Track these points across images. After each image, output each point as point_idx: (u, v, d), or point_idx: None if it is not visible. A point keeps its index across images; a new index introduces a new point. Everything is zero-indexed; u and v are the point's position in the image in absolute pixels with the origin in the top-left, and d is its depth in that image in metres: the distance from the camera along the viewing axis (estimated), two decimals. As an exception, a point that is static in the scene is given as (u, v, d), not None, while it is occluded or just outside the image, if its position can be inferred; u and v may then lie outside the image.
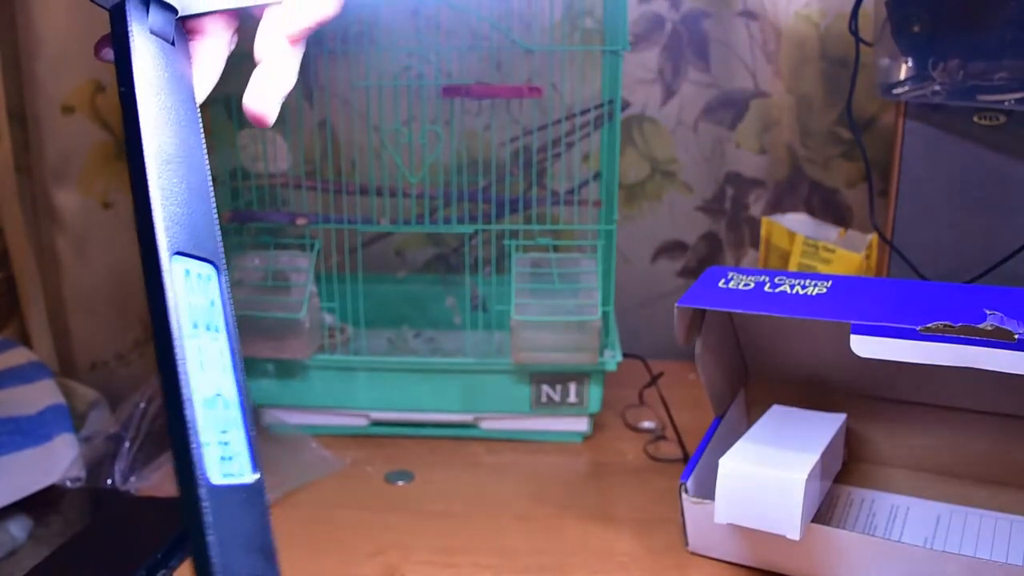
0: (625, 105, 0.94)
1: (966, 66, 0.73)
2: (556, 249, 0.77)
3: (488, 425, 0.77)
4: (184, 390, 0.30)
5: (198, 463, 0.29)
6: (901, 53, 0.76)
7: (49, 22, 0.81)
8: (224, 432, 0.31)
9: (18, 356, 0.79)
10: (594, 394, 0.75)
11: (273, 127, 0.49)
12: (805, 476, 0.52)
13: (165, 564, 0.56)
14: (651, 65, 0.93)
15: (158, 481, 0.67)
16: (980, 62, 0.73)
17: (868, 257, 0.80)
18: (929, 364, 0.50)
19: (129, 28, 0.35)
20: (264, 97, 0.39)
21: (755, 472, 0.53)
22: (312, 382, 0.76)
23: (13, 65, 0.86)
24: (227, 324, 0.34)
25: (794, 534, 0.53)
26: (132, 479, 0.67)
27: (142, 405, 0.72)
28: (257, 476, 0.32)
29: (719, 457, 0.55)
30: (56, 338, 0.92)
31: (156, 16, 0.37)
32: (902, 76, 0.76)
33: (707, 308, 0.57)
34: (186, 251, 0.33)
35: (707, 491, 0.57)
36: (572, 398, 0.75)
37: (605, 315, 0.74)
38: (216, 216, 0.36)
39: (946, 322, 0.49)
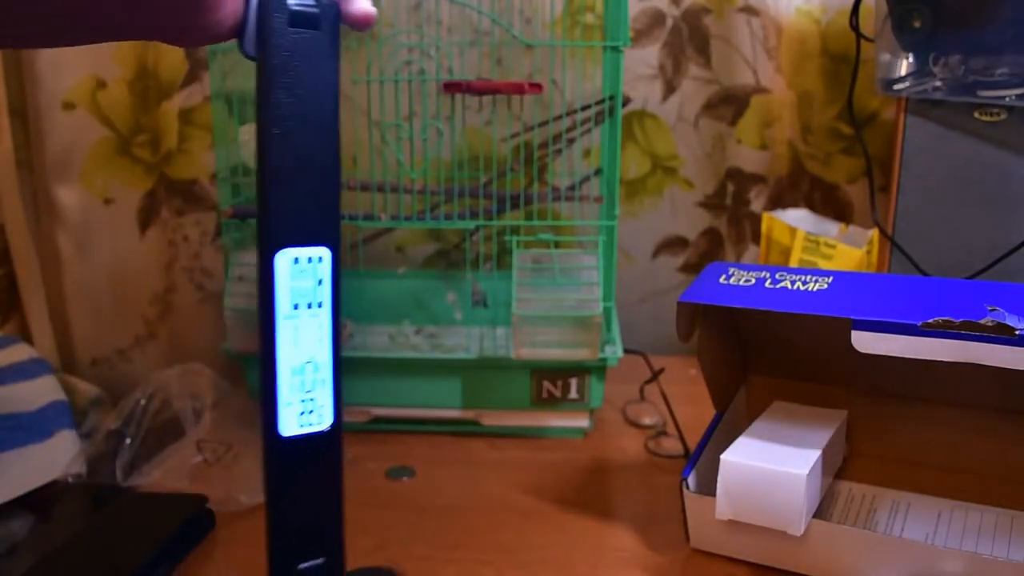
0: (626, 101, 0.94)
1: (967, 62, 0.73)
2: (557, 245, 0.77)
3: (489, 421, 0.77)
4: (273, 364, 0.39)
5: (274, 421, 0.39)
6: (902, 49, 0.76)
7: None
8: (309, 391, 0.40)
9: (19, 352, 0.79)
10: (595, 390, 0.75)
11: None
12: (806, 472, 0.52)
13: (166, 561, 0.56)
14: (652, 61, 0.93)
15: (159, 478, 0.67)
16: (981, 58, 0.73)
17: (869, 253, 0.80)
18: (930, 360, 0.50)
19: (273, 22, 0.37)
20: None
21: (757, 468, 0.53)
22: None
23: (14, 61, 0.86)
24: (332, 298, 0.40)
25: (795, 530, 0.53)
26: (133, 476, 0.67)
27: (143, 401, 0.72)
28: (332, 423, 0.41)
29: (720, 453, 0.55)
30: (57, 334, 0.92)
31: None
32: (903, 72, 0.76)
33: (708, 304, 0.57)
34: (297, 242, 0.39)
35: (708, 487, 0.57)
36: (573, 393, 0.75)
37: (606, 310, 0.74)
38: (338, 201, 0.40)
39: (947, 318, 0.49)
